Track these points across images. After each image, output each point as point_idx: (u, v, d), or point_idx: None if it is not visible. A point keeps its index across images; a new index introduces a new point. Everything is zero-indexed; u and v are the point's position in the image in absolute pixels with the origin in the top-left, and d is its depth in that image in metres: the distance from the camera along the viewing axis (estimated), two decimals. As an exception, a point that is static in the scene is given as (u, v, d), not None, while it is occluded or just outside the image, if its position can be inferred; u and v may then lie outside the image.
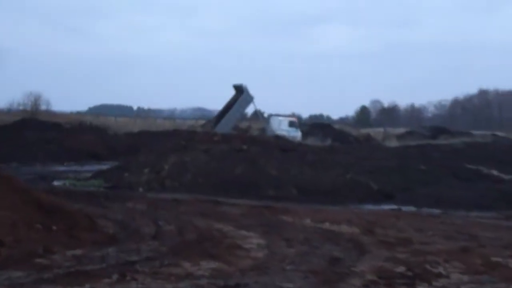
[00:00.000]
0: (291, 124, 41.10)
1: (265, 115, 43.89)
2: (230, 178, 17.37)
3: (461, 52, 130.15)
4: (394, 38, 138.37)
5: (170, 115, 76.07)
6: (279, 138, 30.05)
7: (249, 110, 41.93)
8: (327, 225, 10.60)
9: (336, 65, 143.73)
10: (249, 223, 10.47)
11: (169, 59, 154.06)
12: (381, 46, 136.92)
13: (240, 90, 39.86)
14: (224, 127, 37.19)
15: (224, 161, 18.61)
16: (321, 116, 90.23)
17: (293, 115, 48.60)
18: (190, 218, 10.77)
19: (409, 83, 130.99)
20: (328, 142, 37.87)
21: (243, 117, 43.19)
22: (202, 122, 50.03)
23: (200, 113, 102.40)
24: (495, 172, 20.39)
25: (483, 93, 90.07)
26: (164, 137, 29.78)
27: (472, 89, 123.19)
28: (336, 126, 55.53)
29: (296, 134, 40.07)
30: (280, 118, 42.41)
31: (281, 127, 40.02)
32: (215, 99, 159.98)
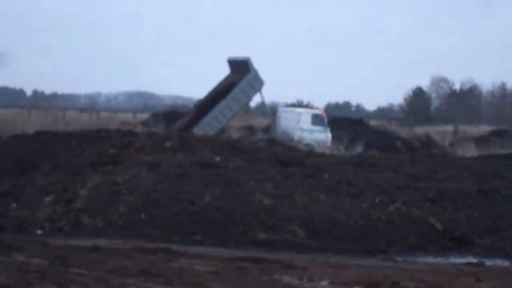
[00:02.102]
0: (316, 119, 41.29)
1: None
2: (193, 212, 17.35)
3: None
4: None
5: (90, 104, 75.95)
6: (286, 143, 30.20)
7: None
8: (357, 292, 10.63)
9: (369, 19, 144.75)
10: (224, 288, 10.47)
11: (89, 16, 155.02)
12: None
13: (241, 67, 40.89)
14: (211, 124, 37.52)
15: (182, 182, 18.59)
16: (347, 105, 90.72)
17: (314, 107, 48.96)
18: (124, 280, 10.74)
19: (496, 49, 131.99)
20: (359, 149, 37.99)
21: (245, 110, 43.49)
22: (144, 115, 50.18)
23: (141, 100, 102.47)
24: None
25: None
26: (80, 142, 29.66)
27: None
28: (373, 123, 55.80)
29: (324, 137, 40.27)
30: (299, 110, 42.70)
31: (300, 125, 40.28)
32: (170, 81, 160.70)
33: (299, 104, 65.03)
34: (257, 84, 41.09)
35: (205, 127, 37.86)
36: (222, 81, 42.56)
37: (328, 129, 41.21)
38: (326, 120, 41.78)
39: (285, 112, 43.12)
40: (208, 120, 39.28)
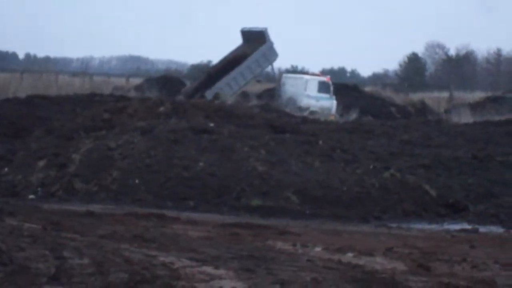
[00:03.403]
0: (323, 87, 41.67)
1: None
2: (186, 178, 17.38)
3: None
4: None
5: (83, 68, 75.76)
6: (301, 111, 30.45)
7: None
8: (350, 258, 10.65)
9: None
10: (218, 254, 10.49)
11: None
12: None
13: (255, 38, 41.75)
14: (223, 90, 38.34)
15: (176, 148, 18.59)
16: (341, 71, 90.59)
17: (322, 73, 49.27)
18: (117, 245, 10.75)
19: (492, 15, 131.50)
20: (354, 115, 38.03)
21: (257, 79, 44.15)
22: (137, 80, 50.08)
23: (134, 65, 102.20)
24: None
25: None
26: (72, 107, 29.59)
27: None
28: (368, 89, 55.70)
29: (330, 104, 40.65)
30: (306, 77, 43.00)
31: (307, 92, 40.60)
32: (163, 45, 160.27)
33: (294, 70, 64.93)
34: (271, 55, 42.03)
35: (222, 90, 38.92)
36: (233, 51, 43.23)
37: (334, 96, 41.51)
38: (332, 88, 42.08)
39: (291, 79, 43.34)
40: (221, 85, 39.93)
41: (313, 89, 41.29)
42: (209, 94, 38.20)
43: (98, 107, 23.47)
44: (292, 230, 13.34)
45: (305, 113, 35.78)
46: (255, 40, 42.14)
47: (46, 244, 10.66)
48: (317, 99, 40.67)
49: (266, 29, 42.30)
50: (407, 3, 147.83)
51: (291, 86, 41.95)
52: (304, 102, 40.27)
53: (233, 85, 40.62)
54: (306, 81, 42.08)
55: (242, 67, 40.97)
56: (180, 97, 35.02)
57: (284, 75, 45.18)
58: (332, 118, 36.13)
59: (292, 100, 40.39)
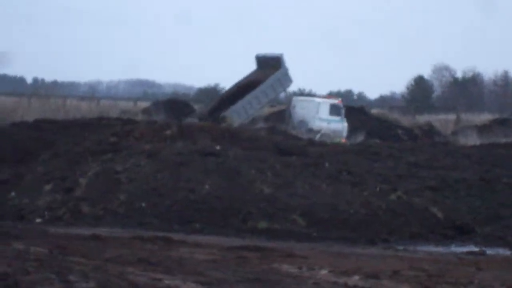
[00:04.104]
0: (334, 109, 41.93)
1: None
2: (192, 200, 17.38)
3: None
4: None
5: (91, 92, 75.87)
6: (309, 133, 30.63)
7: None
8: (356, 281, 10.62)
9: (370, 9, 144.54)
10: (224, 277, 10.46)
11: (91, 3, 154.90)
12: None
13: (270, 63, 42.46)
14: (239, 113, 38.68)
15: (182, 171, 18.60)
16: (348, 93, 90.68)
17: (332, 95, 49.62)
18: (123, 269, 10.74)
19: (498, 37, 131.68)
20: (360, 137, 38.05)
21: (271, 104, 44.60)
22: (144, 104, 50.23)
23: (142, 88, 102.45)
24: None
25: None
26: (80, 131, 29.62)
27: None
28: (375, 111, 55.76)
29: (341, 126, 40.82)
30: (318, 100, 43.24)
31: (319, 115, 40.79)
32: (170, 69, 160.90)
33: (302, 93, 65.07)
34: (286, 81, 42.82)
35: (234, 115, 39.31)
36: (247, 76, 43.93)
37: (345, 119, 41.68)
38: (343, 110, 42.31)
39: (302, 102, 43.66)
40: (237, 108, 40.44)
41: (325, 111, 41.61)
42: (225, 117, 38.83)
43: (105, 131, 23.49)
44: (299, 252, 13.30)
45: (317, 136, 35.88)
46: (269, 66, 42.71)
47: (52, 267, 10.65)
48: (329, 121, 40.96)
49: (282, 55, 42.96)
50: (414, 26, 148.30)
51: (302, 109, 42.27)
52: (316, 124, 40.54)
53: (248, 109, 41.13)
54: (318, 104, 42.41)
55: (258, 91, 41.46)
56: (193, 120, 35.56)
57: (295, 98, 45.41)
58: (344, 141, 36.25)
59: (303, 123, 40.76)
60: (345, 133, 40.49)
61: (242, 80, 44.02)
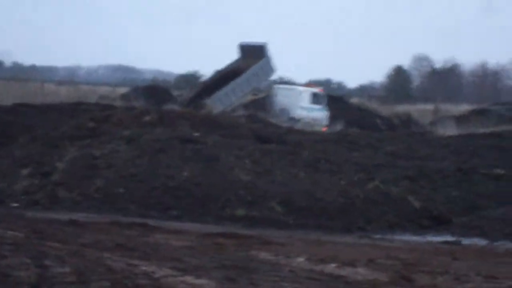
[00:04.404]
0: (316, 98, 42.08)
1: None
2: (170, 187, 17.35)
3: None
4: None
5: (69, 77, 75.45)
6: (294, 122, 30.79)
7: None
8: (332, 268, 10.64)
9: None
10: (200, 263, 10.46)
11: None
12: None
13: (253, 53, 42.80)
14: (222, 100, 39.72)
15: (161, 157, 18.57)
16: (328, 83, 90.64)
17: (313, 84, 49.67)
18: (100, 254, 10.71)
19: (477, 30, 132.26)
20: (339, 126, 38.12)
21: (254, 93, 44.80)
22: (124, 89, 50.08)
23: (122, 74, 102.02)
24: None
25: None
26: (58, 115, 29.54)
27: None
28: (354, 100, 55.88)
29: (323, 115, 40.91)
30: (300, 88, 43.36)
31: (300, 103, 40.88)
32: (150, 55, 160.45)
33: (282, 81, 65.05)
34: (269, 70, 43.64)
35: (216, 102, 39.54)
36: (230, 64, 44.59)
37: (326, 108, 41.82)
38: (325, 99, 42.47)
39: (284, 90, 43.66)
40: (220, 95, 40.80)
41: (306, 100, 41.73)
42: (209, 103, 39.11)
43: (84, 116, 23.43)
44: (276, 240, 13.32)
45: (299, 125, 36.07)
46: (252, 55, 43.02)
47: (28, 252, 10.60)
48: (310, 110, 41.03)
49: (266, 43, 43.55)
50: (394, 16, 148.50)
51: (284, 97, 42.33)
52: (297, 113, 40.67)
53: (231, 96, 41.48)
54: (300, 92, 42.57)
55: (241, 79, 41.94)
56: (175, 106, 35.67)
57: (276, 86, 45.38)
58: (324, 130, 36.38)
59: (285, 111, 40.85)
60: (326, 122, 40.56)
61: (224, 68, 44.44)
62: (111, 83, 69.73)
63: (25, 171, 18.26)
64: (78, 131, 20.83)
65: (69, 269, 9.61)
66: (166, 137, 19.87)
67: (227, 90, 41.20)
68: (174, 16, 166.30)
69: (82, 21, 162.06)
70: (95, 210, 16.42)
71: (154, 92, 46.84)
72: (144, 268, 9.91)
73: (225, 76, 42.87)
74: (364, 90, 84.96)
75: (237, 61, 44.11)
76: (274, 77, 63.63)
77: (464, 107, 55.85)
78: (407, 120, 47.68)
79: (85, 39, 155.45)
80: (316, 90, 43.75)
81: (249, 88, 42.77)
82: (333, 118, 41.09)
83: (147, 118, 22.22)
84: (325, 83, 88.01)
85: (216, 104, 39.09)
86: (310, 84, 50.48)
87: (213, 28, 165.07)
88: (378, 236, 15.38)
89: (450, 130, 35.80)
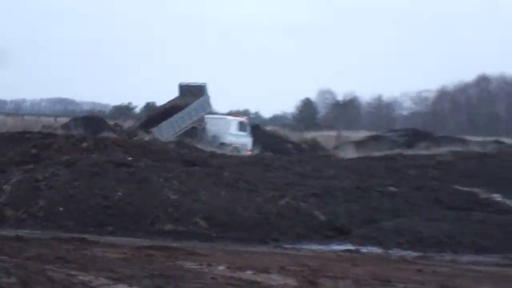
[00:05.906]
0: (242, 126, 42.51)
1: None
2: (106, 206, 17.16)
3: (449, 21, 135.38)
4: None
5: (16, 109, 74.30)
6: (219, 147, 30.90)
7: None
8: (249, 275, 10.68)
9: (266, 40, 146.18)
10: (132, 273, 10.38)
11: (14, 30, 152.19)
12: (328, 12, 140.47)
13: (193, 92, 43.84)
14: (166, 130, 40.16)
15: (97, 179, 18.37)
16: (246, 113, 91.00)
17: (239, 114, 50.44)
18: (42, 266, 10.55)
19: (374, 66, 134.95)
20: (256, 151, 38.36)
21: (193, 126, 44.95)
22: (64, 119, 49.54)
23: (62, 106, 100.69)
24: (497, 197, 20.97)
25: (482, 81, 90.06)
26: (5, 143, 28.95)
27: (468, 75, 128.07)
28: (269, 128, 56.21)
29: (248, 141, 41.30)
30: (229, 118, 43.75)
31: (230, 131, 41.35)
32: (88, 88, 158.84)
33: (208, 112, 65.21)
34: (207, 107, 43.88)
35: (162, 131, 39.80)
36: (170, 101, 45.50)
37: (250, 134, 42.31)
38: (249, 127, 42.95)
39: (214, 119, 43.87)
40: (165, 125, 40.99)
41: (234, 128, 42.16)
42: (155, 131, 39.52)
43: (28, 144, 23.04)
44: (200, 251, 13.29)
45: (228, 149, 36.83)
46: (192, 93, 43.82)
47: (-24, 266, 10.38)
48: (238, 136, 41.49)
49: (205, 84, 44.36)
50: (301, 54, 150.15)
51: (214, 126, 42.71)
52: (227, 139, 41.09)
53: (175, 127, 41.66)
54: (229, 121, 42.95)
55: (183, 113, 42.37)
56: (124, 135, 36.64)
57: (207, 116, 45.44)
58: (249, 154, 36.75)
59: (216, 138, 41.30)
60: (250, 146, 41.06)
61: (166, 104, 45.70)
62: (53, 114, 68.86)
63: (-27, 193, 17.88)
64: (22, 157, 20.48)
65: (15, 280, 9.46)
66: (102, 161, 19.67)
67: (171, 122, 41.67)
68: (109, 51, 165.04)
69: (26, 58, 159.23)
70: (38, 227, 16.14)
71: (91, 121, 46.36)
72: (82, 278, 9.81)
73: (166, 111, 43.65)
74: (277, 119, 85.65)
75: (177, 99, 44.95)
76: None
77: (362, 134, 56.63)
78: (314, 145, 48.21)
79: (29, 74, 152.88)
80: (242, 119, 44.32)
81: (190, 121, 43.28)
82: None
83: (84, 144, 21.97)
84: (245, 113, 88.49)
85: (163, 132, 39.62)
86: (236, 114, 51.03)
87: (145, 62, 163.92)
88: (289, 246, 15.44)
89: (350, 153, 36.25)
